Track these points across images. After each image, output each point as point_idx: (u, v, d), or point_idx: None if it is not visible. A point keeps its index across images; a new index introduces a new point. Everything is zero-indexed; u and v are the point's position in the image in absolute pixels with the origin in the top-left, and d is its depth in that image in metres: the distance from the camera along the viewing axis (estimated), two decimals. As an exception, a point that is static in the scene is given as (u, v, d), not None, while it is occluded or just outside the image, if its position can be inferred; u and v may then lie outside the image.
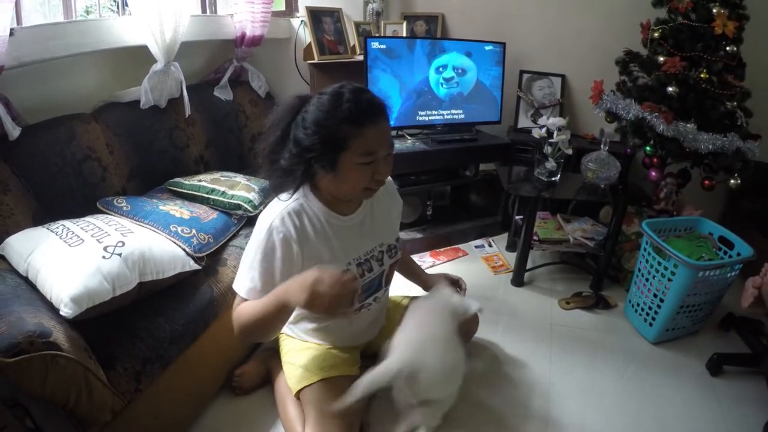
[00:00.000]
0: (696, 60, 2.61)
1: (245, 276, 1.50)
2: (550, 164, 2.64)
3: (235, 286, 1.53)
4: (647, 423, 2.05)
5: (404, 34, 3.28)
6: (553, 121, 2.61)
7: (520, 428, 1.96)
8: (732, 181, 2.63)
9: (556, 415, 2.03)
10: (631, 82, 2.85)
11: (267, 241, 1.46)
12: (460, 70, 3.11)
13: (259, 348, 2.13)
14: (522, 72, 3.40)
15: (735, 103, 2.62)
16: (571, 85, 3.42)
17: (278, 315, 1.42)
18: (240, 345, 2.03)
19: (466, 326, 2.15)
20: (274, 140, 1.45)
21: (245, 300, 1.51)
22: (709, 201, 3.20)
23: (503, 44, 3.19)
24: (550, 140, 2.62)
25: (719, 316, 2.68)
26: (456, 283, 2.06)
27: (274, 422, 1.85)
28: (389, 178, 1.73)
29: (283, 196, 1.53)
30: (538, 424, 1.98)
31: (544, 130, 2.65)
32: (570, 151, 2.63)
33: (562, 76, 3.39)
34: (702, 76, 2.58)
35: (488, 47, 3.16)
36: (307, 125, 1.38)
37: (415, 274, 2.12)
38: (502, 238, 3.33)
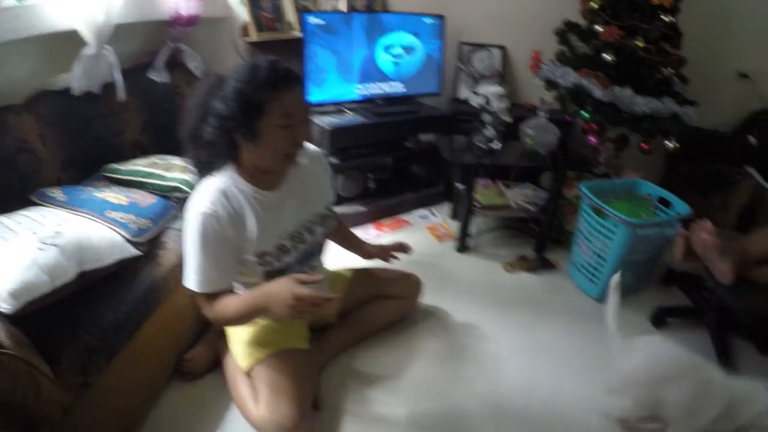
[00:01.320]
0: (633, 29, 2.67)
1: (197, 271, 1.53)
2: (490, 132, 2.68)
3: (190, 284, 1.55)
4: (596, 377, 2.11)
5: (344, 9, 3.25)
6: (492, 89, 2.65)
7: (470, 391, 2.01)
8: (670, 144, 2.74)
9: (506, 375, 2.10)
10: (570, 52, 2.90)
11: (202, 229, 1.48)
12: (406, 49, 3.12)
13: (208, 331, 2.10)
14: (462, 44, 3.42)
15: (671, 70, 2.69)
16: (512, 56, 3.46)
17: (257, 315, 1.56)
18: (187, 330, 2.02)
19: (403, 293, 2.24)
20: (196, 119, 1.47)
21: (207, 294, 1.56)
22: (649, 166, 3.34)
23: (442, 17, 3.20)
24: (489, 109, 2.65)
25: (661, 274, 2.81)
26: (399, 248, 2.10)
27: (228, 404, 1.85)
28: (317, 148, 1.81)
29: (207, 181, 1.55)
30: (488, 385, 2.04)
31: (483, 99, 2.68)
32: (509, 119, 2.67)
33: (502, 48, 3.42)
34: (639, 44, 2.64)
35: (428, 20, 3.16)
36: (225, 96, 1.41)
37: (353, 244, 2.14)
38: (446, 208, 3.38)
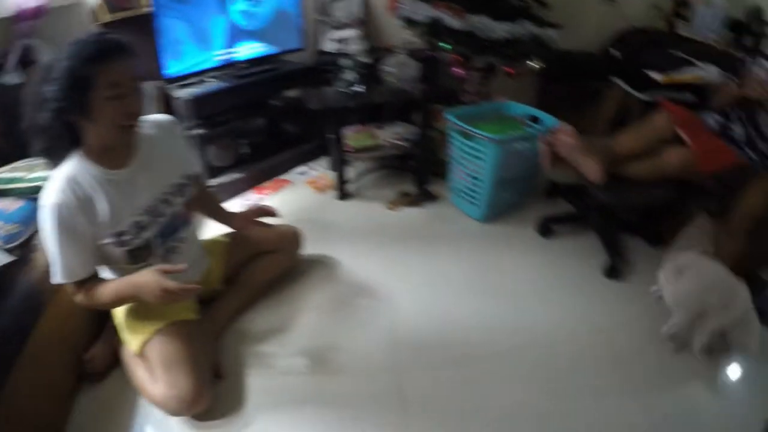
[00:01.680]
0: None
1: (58, 263, 1.52)
2: (351, 76, 2.68)
3: (55, 277, 1.54)
4: (495, 292, 2.25)
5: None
6: (347, 33, 2.66)
7: (367, 330, 2.07)
8: (535, 65, 2.84)
9: (402, 308, 2.16)
10: None
11: (56, 222, 1.47)
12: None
13: (105, 328, 2.00)
14: None
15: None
16: (372, 0, 3.44)
17: (129, 303, 1.70)
18: (81, 329, 1.94)
19: (282, 246, 2.23)
20: (32, 109, 1.44)
21: (74, 283, 1.57)
22: (522, 90, 3.45)
23: None
24: (347, 53, 2.66)
25: (544, 188, 2.96)
26: (263, 213, 2.06)
27: (139, 395, 1.81)
28: (168, 116, 1.81)
29: (56, 171, 1.52)
30: (385, 321, 2.11)
31: (339, 44, 2.68)
32: (368, 60, 2.68)
33: (362, -7, 3.40)
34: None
35: None
36: (55, 77, 1.37)
37: (219, 215, 2.10)
38: (325, 161, 3.35)
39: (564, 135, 2.23)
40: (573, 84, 3.56)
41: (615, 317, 2.22)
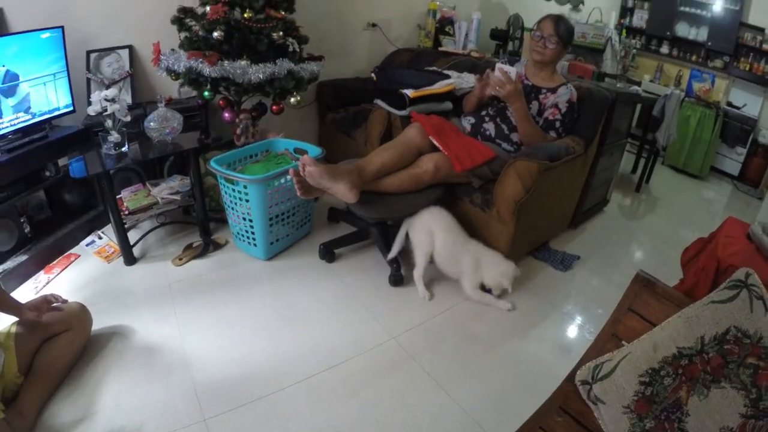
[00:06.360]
0: (238, 2, 2.79)
1: None
2: (113, 137, 2.64)
3: None
4: (287, 324, 2.37)
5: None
6: (104, 93, 2.61)
7: (170, 386, 2.05)
8: (292, 100, 2.96)
9: (203, 364, 2.16)
10: (195, 37, 2.91)
11: None
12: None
13: None
14: (89, 52, 3.27)
15: (281, 33, 2.85)
16: (140, 53, 3.40)
17: None
18: None
19: (70, 325, 2.13)
20: None
21: None
22: (304, 124, 3.78)
23: (61, 27, 3.03)
24: (105, 113, 2.61)
25: (325, 215, 3.12)
26: (49, 302, 2.08)
27: None
28: None
29: None
30: (184, 374, 2.11)
31: (98, 105, 2.63)
32: (128, 118, 2.65)
33: (129, 47, 3.35)
34: (246, 15, 2.78)
35: (44, 35, 2.96)
36: None
37: (4, 305, 1.99)
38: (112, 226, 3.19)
39: (308, 165, 2.33)
40: (347, 109, 3.79)
41: (405, 320, 2.43)
